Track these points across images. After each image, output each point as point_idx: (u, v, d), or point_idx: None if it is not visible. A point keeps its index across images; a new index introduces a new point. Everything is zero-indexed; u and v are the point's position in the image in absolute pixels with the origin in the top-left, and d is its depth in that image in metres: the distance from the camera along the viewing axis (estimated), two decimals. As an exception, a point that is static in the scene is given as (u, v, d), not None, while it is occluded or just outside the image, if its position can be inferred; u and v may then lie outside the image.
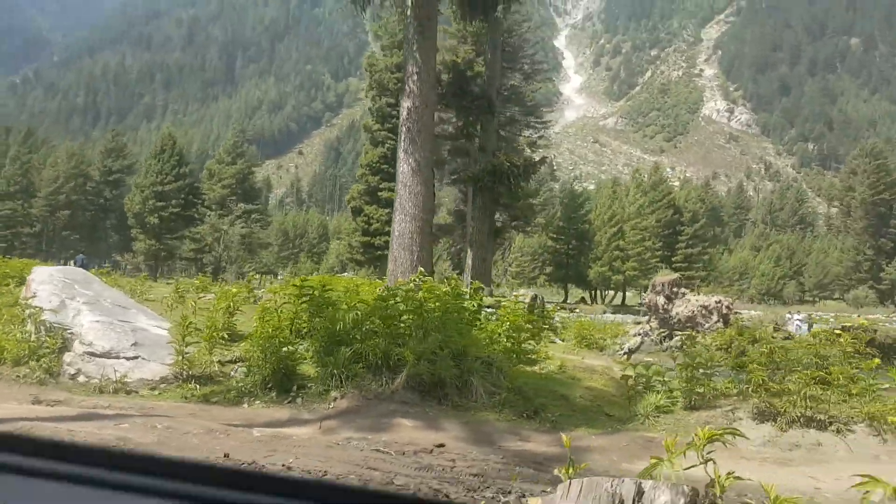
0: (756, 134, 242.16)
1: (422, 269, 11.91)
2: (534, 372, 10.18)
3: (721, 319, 23.38)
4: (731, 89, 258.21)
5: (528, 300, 21.54)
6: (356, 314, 8.25)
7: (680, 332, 24.21)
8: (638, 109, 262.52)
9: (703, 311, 24.05)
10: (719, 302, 24.14)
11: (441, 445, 6.82)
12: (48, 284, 9.39)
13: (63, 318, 8.81)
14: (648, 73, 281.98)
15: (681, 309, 24.24)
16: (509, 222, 56.72)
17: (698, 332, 23.31)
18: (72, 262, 34.01)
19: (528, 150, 57.26)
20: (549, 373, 10.38)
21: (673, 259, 61.24)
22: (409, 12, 14.25)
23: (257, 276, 53.54)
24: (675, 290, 25.09)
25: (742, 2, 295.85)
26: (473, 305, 10.08)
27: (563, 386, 9.49)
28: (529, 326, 11.29)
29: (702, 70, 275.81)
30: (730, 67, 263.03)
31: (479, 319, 10.32)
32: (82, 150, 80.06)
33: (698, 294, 25.04)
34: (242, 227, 51.98)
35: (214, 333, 8.75)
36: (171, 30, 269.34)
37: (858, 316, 51.82)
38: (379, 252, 51.42)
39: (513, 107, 57.02)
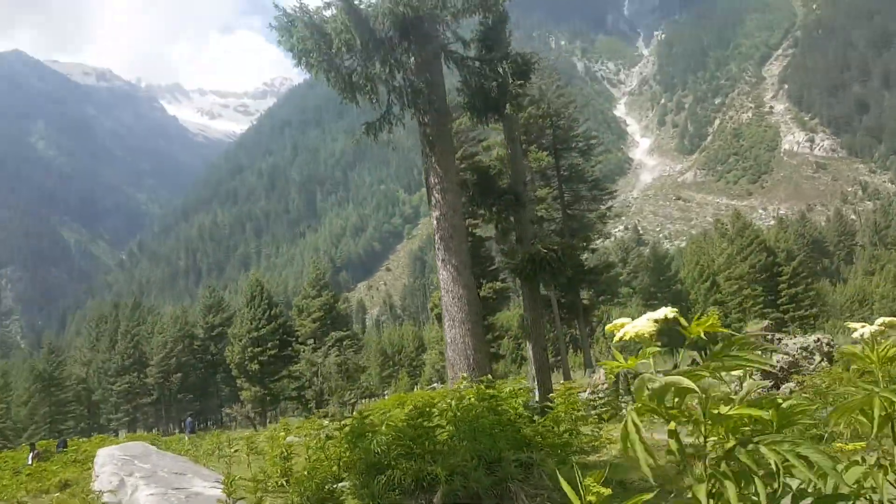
0: (844, 157, 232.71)
1: (464, 374, 11.81)
2: (591, 461, 9.75)
3: (824, 358, 21.98)
4: (807, 118, 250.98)
5: (612, 379, 20.95)
6: (384, 437, 8.19)
7: (784, 381, 22.91)
8: (714, 158, 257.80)
9: (804, 353, 22.70)
10: (818, 340, 22.78)
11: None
12: (109, 465, 9.82)
13: (122, 497, 9.13)
14: (717, 122, 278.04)
15: (780, 355, 23.01)
16: (596, 298, 56.01)
17: (803, 376, 21.98)
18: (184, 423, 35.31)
19: (600, 224, 57.16)
20: (609, 459, 9.91)
21: (778, 302, 58.34)
22: (421, 130, 14.77)
23: (363, 401, 54.06)
24: (768, 337, 23.90)
25: (797, 32, 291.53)
26: (518, 405, 9.85)
27: (621, 471, 9.01)
28: (581, 413, 10.88)
29: (771, 107, 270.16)
30: (800, 98, 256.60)
31: (528, 417, 10.05)
32: (185, 312, 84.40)
33: (794, 336, 23.73)
34: (337, 356, 53.04)
35: (260, 485, 8.78)
36: (253, 181, 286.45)
37: None
38: (472, 355, 51.34)
39: (575, 185, 57.45)
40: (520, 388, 10.39)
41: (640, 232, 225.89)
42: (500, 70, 15.39)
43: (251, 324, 60.83)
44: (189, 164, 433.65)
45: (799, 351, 22.99)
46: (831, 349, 22.38)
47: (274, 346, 59.90)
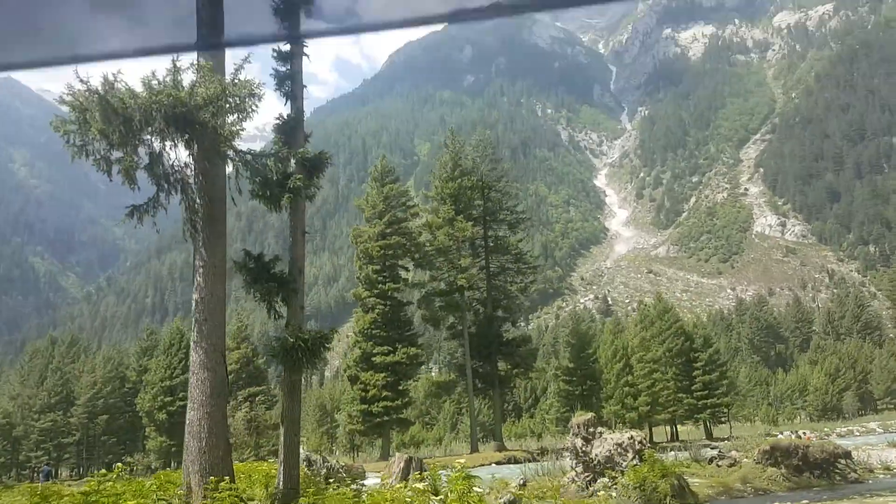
0: (813, 243, 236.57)
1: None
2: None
3: (636, 456, 22.52)
4: (780, 203, 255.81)
5: (401, 465, 21.22)
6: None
7: (601, 475, 23.37)
8: (688, 235, 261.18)
9: (619, 450, 23.25)
10: (632, 438, 23.38)
11: None
12: None
13: None
14: (693, 199, 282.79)
15: (599, 450, 23.52)
16: (511, 370, 56.32)
17: (616, 471, 22.52)
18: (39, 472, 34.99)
19: (521, 297, 57.91)
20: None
21: (692, 388, 58.85)
22: (186, 216, 15.39)
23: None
24: (591, 430, 24.41)
25: (775, 119, 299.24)
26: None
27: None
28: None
29: (746, 189, 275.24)
30: (774, 183, 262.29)
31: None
32: (120, 353, 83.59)
33: (613, 432, 24.23)
34: (247, 412, 52.77)
35: None
36: (231, 223, 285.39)
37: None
38: (378, 419, 51.19)
39: (500, 256, 58.38)
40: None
41: (610, 302, 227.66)
42: (279, 166, 16.20)
43: (165, 372, 60.42)
44: (172, 202, 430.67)
45: (615, 447, 23.58)
46: (643, 447, 22.98)
47: (185, 398, 59.30)
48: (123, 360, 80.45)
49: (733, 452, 27.08)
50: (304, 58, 18.01)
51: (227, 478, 13.98)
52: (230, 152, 15.50)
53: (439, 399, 67.93)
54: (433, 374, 79.35)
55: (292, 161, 17.21)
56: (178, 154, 15.76)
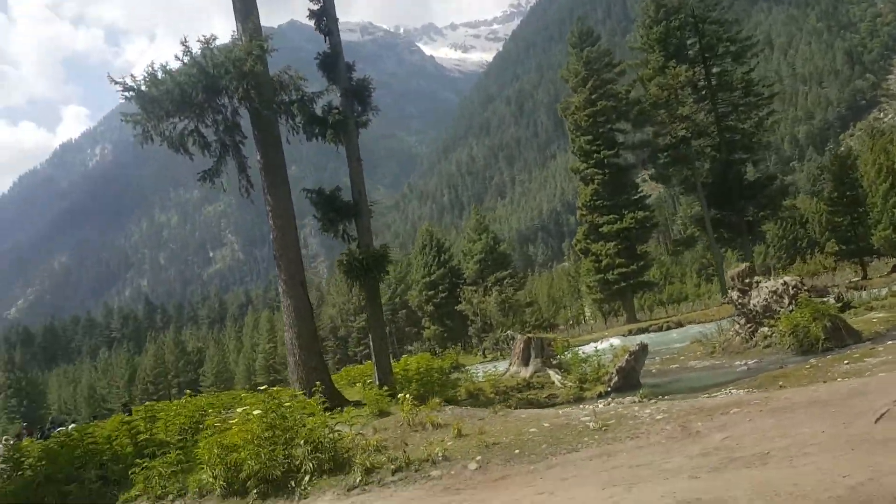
0: None
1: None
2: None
3: (791, 301, 21.03)
4: None
5: (521, 346, 21.93)
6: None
7: (761, 324, 22.17)
8: None
9: (775, 297, 21.99)
10: (785, 284, 21.77)
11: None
12: None
13: None
14: None
15: (756, 300, 22.49)
16: (757, 214, 52.11)
17: (775, 319, 21.37)
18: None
19: (758, 133, 52.45)
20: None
21: None
22: (241, 171, 17.56)
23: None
24: (746, 280, 23.20)
25: None
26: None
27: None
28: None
29: None
30: None
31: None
32: (407, 256, 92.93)
33: (768, 280, 22.24)
34: (499, 295, 56.43)
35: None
36: (503, 110, 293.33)
37: None
38: (616, 286, 51.45)
39: (728, 94, 53.18)
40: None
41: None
42: (312, 106, 17.63)
43: (424, 269, 66.36)
44: (449, 101, 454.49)
45: (770, 294, 22.16)
46: (797, 291, 21.33)
47: (444, 290, 64.99)
48: (410, 261, 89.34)
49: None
50: (334, -9, 18.75)
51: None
52: (264, 109, 17.09)
53: (680, 257, 65.55)
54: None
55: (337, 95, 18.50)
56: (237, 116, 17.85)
